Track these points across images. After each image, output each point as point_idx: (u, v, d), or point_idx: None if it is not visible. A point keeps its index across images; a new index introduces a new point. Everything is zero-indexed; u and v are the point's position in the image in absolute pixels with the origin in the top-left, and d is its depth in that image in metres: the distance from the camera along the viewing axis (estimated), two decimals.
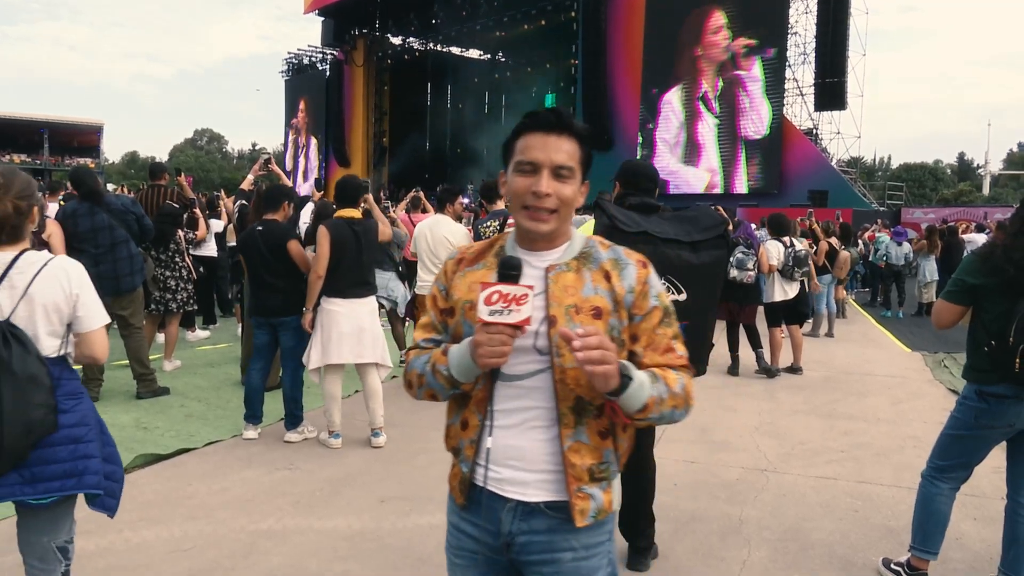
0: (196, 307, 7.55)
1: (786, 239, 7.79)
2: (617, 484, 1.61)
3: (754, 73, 22.16)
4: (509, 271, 1.44)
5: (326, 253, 4.69)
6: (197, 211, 8.05)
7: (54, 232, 5.90)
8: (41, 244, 5.83)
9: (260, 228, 4.94)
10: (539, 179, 1.49)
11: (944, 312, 3.06)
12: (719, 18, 23.10)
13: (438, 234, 5.96)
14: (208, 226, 8.91)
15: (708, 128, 23.64)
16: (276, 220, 5.02)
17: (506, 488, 1.54)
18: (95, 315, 2.31)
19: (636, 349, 1.56)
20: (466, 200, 14.24)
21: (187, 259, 7.30)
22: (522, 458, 1.53)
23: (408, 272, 7.39)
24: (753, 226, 8.59)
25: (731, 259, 7.20)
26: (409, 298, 7.04)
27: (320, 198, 7.14)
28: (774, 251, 7.67)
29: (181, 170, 9.06)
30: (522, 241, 1.59)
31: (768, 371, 7.45)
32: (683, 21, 23.87)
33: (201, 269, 7.86)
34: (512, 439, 1.54)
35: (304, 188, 35.72)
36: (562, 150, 1.51)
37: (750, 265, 7.24)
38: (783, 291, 7.71)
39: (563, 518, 1.53)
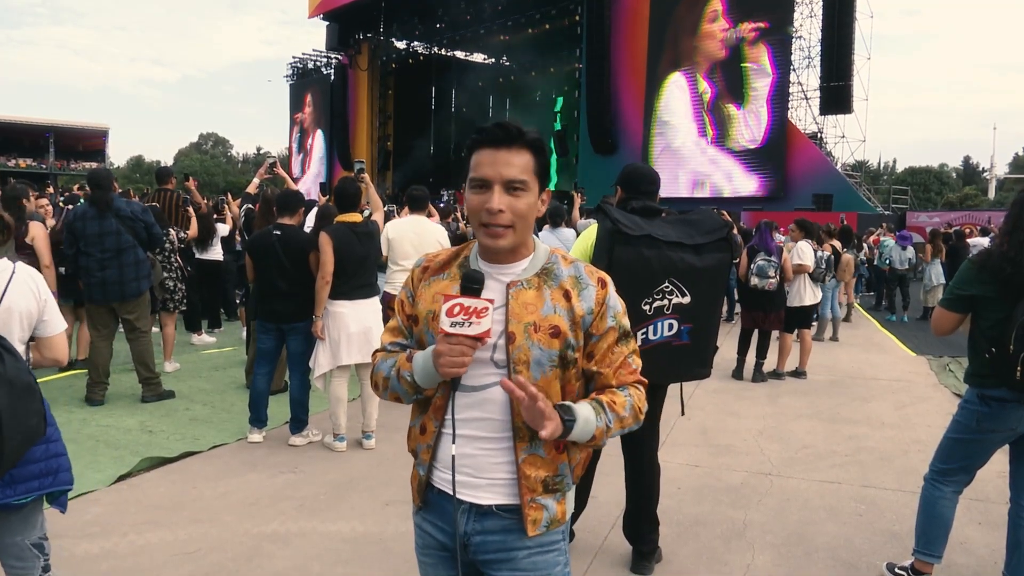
0: (186, 307, 7.57)
1: (813, 242, 7.78)
2: (571, 495, 1.66)
3: (762, 64, 22.04)
4: (471, 285, 1.49)
5: (331, 258, 4.71)
6: (190, 209, 8.01)
7: (38, 235, 5.93)
8: (24, 247, 5.87)
9: (278, 233, 4.92)
10: (491, 196, 1.51)
11: (942, 320, 3.07)
12: (720, 7, 23.04)
13: (427, 238, 5.86)
14: (214, 229, 8.95)
15: (710, 128, 23.61)
16: (294, 226, 5.03)
17: (460, 491, 1.59)
18: (58, 320, 2.39)
19: (592, 367, 1.61)
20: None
21: (177, 258, 7.32)
22: (475, 466, 1.58)
23: None
24: (781, 237, 8.30)
25: (751, 267, 7.15)
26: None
27: (326, 202, 7.15)
28: (809, 252, 7.62)
29: (190, 175, 9.07)
30: (484, 254, 1.62)
31: (772, 375, 7.44)
32: (686, 20, 23.85)
33: (189, 268, 7.81)
34: (466, 447, 1.58)
35: (310, 191, 35.78)
36: (513, 164, 1.51)
37: (771, 272, 7.11)
38: (813, 295, 7.69)
39: (515, 519, 1.59)
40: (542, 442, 1.56)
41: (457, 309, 1.45)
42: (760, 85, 22.08)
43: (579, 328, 1.56)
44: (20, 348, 2.27)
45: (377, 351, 1.74)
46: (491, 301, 1.47)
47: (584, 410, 1.53)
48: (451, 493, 1.58)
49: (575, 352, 1.57)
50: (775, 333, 7.56)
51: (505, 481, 1.58)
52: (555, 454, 1.58)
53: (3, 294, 2.23)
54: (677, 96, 24.35)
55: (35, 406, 2.17)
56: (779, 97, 21.95)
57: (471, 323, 1.45)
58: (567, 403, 1.54)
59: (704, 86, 23.47)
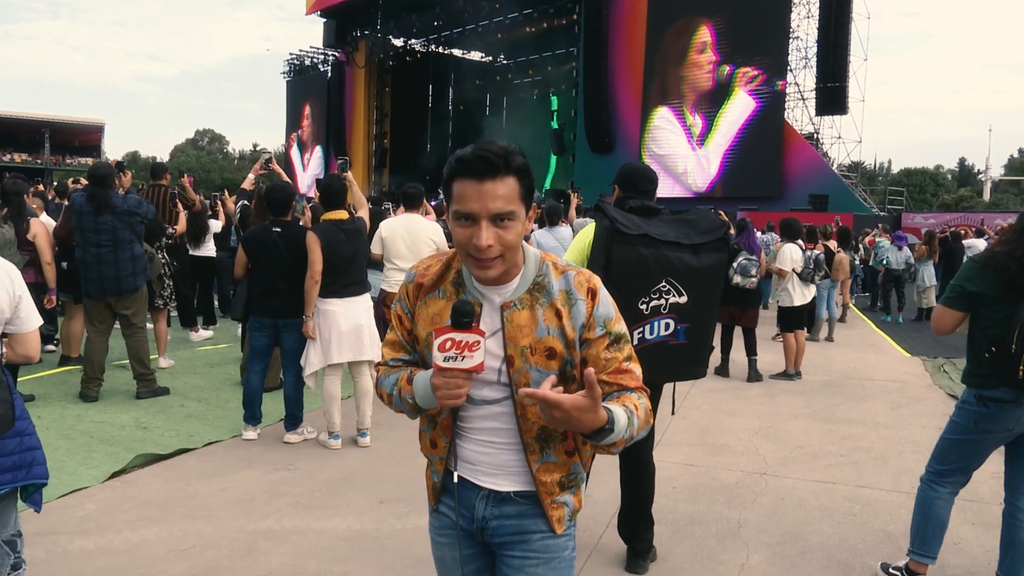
0: (174, 303, 7.55)
1: (800, 243, 7.83)
2: (584, 485, 1.72)
3: (750, 100, 22.24)
4: (462, 319, 1.45)
5: (319, 258, 4.70)
6: (179, 204, 7.99)
7: (39, 232, 5.90)
8: (26, 244, 5.83)
9: (278, 229, 4.89)
10: (479, 231, 1.45)
11: (943, 318, 3.07)
12: (715, 30, 23.15)
13: (420, 236, 5.82)
14: (207, 226, 8.92)
15: (704, 132, 23.65)
16: (291, 222, 5.00)
17: (479, 478, 1.65)
18: (32, 316, 2.35)
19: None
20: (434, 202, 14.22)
21: (164, 254, 7.31)
22: (491, 462, 1.64)
23: None
24: (759, 233, 8.42)
25: (734, 264, 7.21)
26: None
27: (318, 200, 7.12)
28: (790, 255, 7.70)
29: (184, 171, 9.04)
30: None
31: (761, 377, 7.46)
32: (679, 34, 23.97)
33: (175, 263, 7.77)
34: (480, 448, 1.64)
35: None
36: (498, 196, 1.45)
37: (753, 272, 7.26)
38: (803, 295, 7.76)
39: (532, 503, 1.64)
40: (553, 450, 1.60)
41: (449, 344, 1.44)
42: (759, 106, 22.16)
43: (573, 346, 1.56)
44: None
45: (379, 365, 1.75)
46: (482, 334, 1.45)
47: (622, 419, 1.47)
48: (473, 482, 1.65)
49: (573, 368, 1.58)
50: (770, 334, 7.58)
51: (523, 470, 1.62)
52: (567, 458, 1.62)
53: None
54: (674, 97, 24.39)
55: (3, 395, 2.17)
56: (775, 112, 21.94)
57: (464, 357, 1.44)
58: (610, 407, 1.47)
59: (703, 92, 23.56)
